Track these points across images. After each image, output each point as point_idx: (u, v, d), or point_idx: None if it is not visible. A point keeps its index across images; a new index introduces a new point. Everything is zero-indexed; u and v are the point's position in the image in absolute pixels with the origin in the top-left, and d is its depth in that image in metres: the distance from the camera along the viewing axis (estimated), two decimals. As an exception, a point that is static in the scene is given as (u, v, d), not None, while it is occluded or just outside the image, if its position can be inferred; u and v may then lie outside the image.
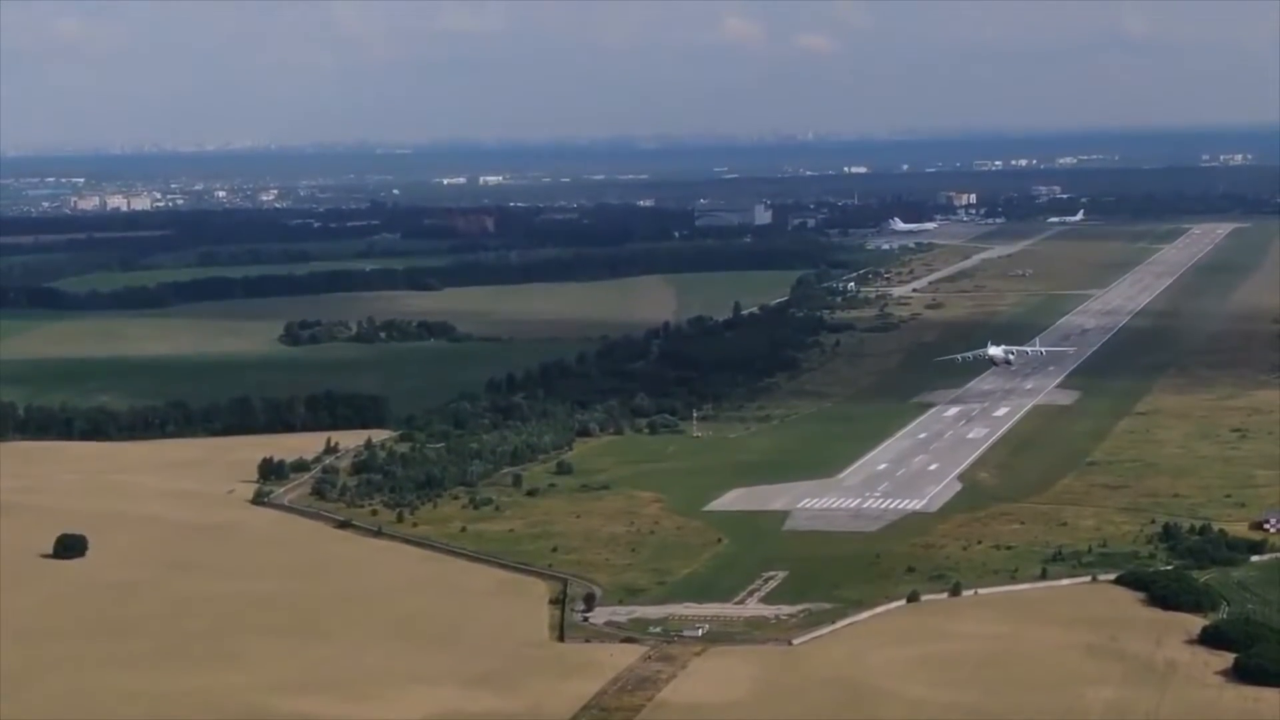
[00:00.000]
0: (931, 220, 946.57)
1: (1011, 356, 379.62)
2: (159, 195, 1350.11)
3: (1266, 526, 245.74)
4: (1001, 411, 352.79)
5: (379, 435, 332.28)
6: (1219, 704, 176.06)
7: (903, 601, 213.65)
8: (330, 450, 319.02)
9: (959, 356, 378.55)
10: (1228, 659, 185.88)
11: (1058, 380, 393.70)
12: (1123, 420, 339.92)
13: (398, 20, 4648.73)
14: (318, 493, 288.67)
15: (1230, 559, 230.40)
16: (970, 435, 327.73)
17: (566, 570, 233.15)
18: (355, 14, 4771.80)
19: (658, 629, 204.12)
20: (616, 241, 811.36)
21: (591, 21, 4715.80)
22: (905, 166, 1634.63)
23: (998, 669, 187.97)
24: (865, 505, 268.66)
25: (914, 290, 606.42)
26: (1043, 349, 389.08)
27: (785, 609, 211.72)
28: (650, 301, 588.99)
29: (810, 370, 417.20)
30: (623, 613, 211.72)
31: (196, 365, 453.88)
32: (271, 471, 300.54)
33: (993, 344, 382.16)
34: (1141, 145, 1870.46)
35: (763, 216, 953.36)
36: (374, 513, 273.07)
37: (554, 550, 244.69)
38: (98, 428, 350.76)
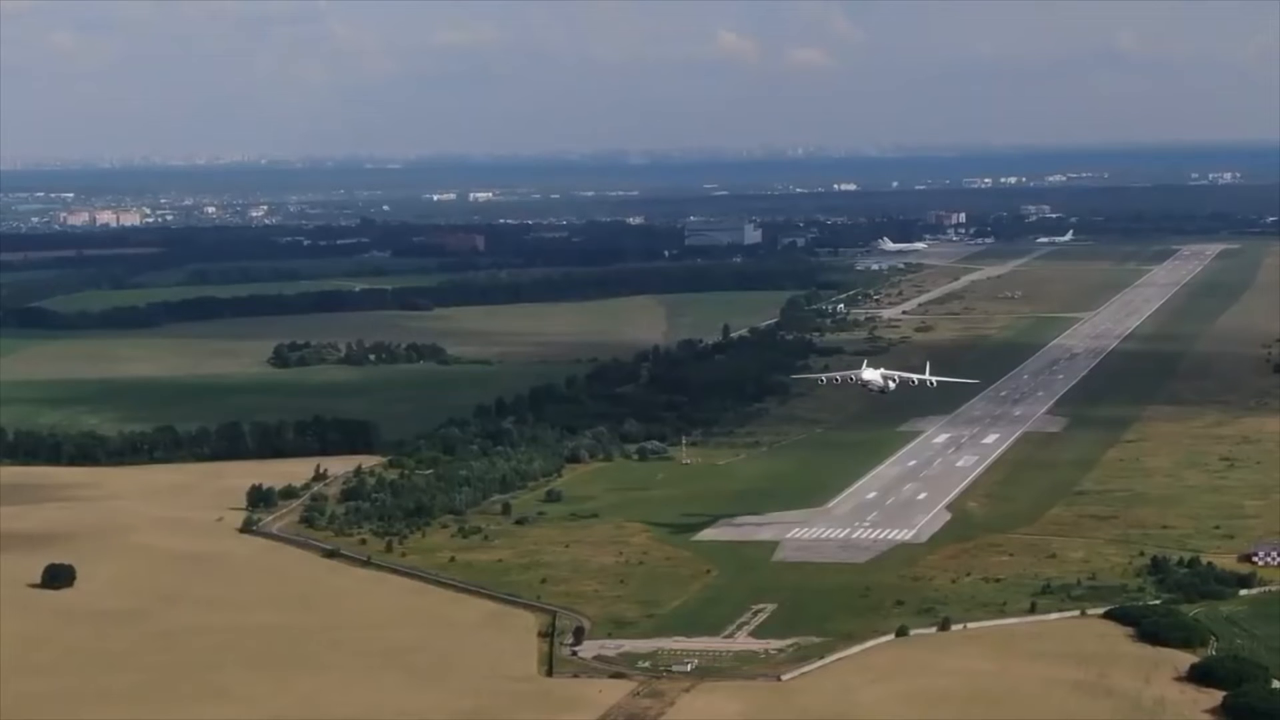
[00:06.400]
0: (921, 240, 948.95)
1: (892, 383, 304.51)
2: (149, 210, 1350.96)
3: (1255, 559, 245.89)
4: (991, 439, 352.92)
5: (368, 461, 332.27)
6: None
7: (892, 636, 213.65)
8: (319, 477, 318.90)
9: (822, 377, 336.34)
10: (1216, 697, 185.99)
11: (1047, 406, 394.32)
12: (1112, 448, 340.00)
13: (388, 35, 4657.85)
14: (306, 521, 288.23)
15: (1219, 592, 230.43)
16: (959, 463, 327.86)
17: (555, 602, 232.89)
18: (346, 29, 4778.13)
19: (646, 664, 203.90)
20: (606, 260, 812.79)
21: (583, 35, 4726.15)
22: (895, 184, 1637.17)
23: (986, 706, 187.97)
24: (854, 535, 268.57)
25: (903, 312, 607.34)
26: (933, 379, 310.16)
27: (774, 643, 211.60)
28: (640, 323, 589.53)
29: (800, 395, 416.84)
30: (611, 646, 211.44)
31: (186, 387, 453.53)
32: (260, 499, 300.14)
33: (869, 366, 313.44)
34: (1131, 163, 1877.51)
35: (752, 236, 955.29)
36: (363, 542, 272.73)
37: (543, 581, 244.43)
38: (86, 453, 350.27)
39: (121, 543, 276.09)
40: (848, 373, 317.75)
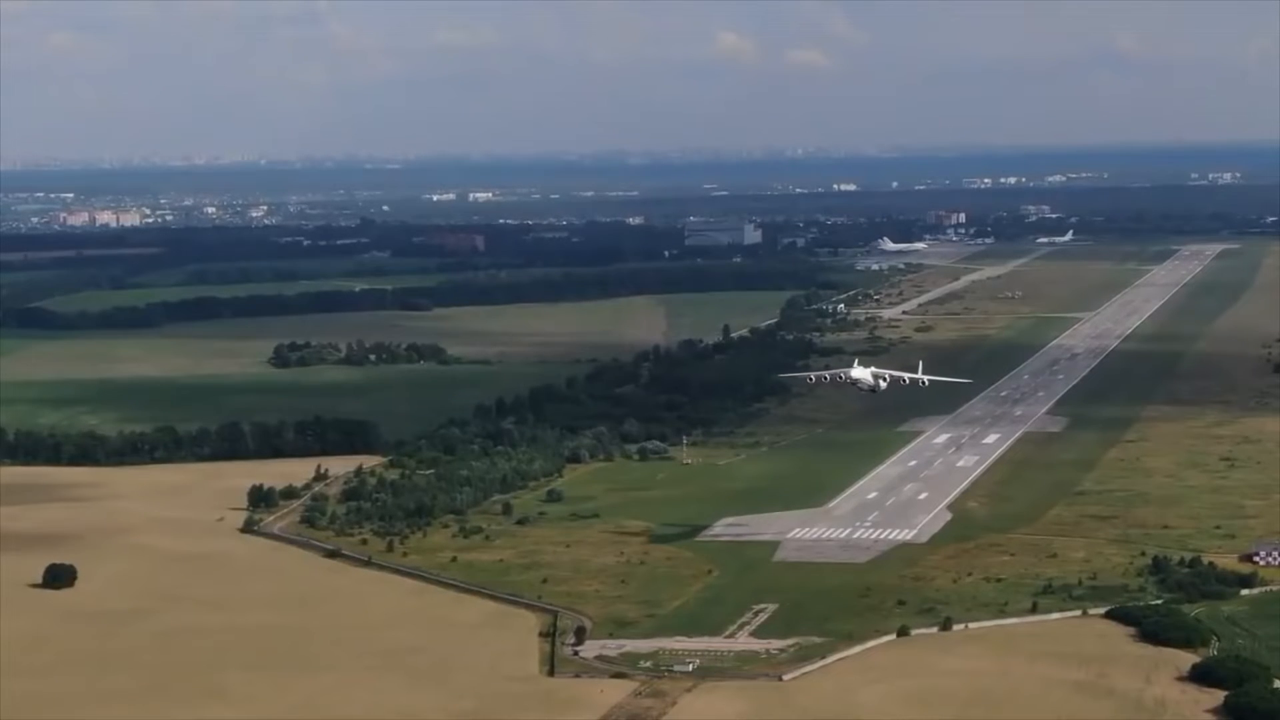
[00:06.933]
0: (921, 240, 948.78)
1: (883, 382, 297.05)
2: (149, 211, 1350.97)
3: (1256, 559, 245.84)
4: (991, 439, 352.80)
5: (369, 461, 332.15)
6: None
7: (893, 636, 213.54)
8: (320, 477, 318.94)
9: (810, 375, 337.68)
10: (1218, 696, 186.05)
11: (1047, 407, 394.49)
12: (1112, 449, 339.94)
13: (387, 36, 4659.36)
14: (307, 521, 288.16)
15: (1220, 592, 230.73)
16: (960, 463, 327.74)
17: (556, 602, 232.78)
18: (346, 30, 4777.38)
19: (648, 664, 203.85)
20: (606, 261, 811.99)
21: (583, 36, 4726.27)
22: (895, 184, 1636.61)
23: (987, 706, 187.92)
24: (855, 535, 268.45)
25: (904, 312, 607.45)
26: (925, 378, 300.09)
27: (776, 643, 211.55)
28: (640, 323, 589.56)
29: (800, 395, 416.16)
30: (613, 646, 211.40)
31: (185, 388, 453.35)
32: (261, 499, 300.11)
33: (859, 364, 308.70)
34: (1131, 163, 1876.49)
35: (752, 236, 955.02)
36: (364, 542, 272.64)
37: (544, 581, 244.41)
38: (86, 453, 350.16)
39: (122, 543, 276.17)
40: (837, 371, 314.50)
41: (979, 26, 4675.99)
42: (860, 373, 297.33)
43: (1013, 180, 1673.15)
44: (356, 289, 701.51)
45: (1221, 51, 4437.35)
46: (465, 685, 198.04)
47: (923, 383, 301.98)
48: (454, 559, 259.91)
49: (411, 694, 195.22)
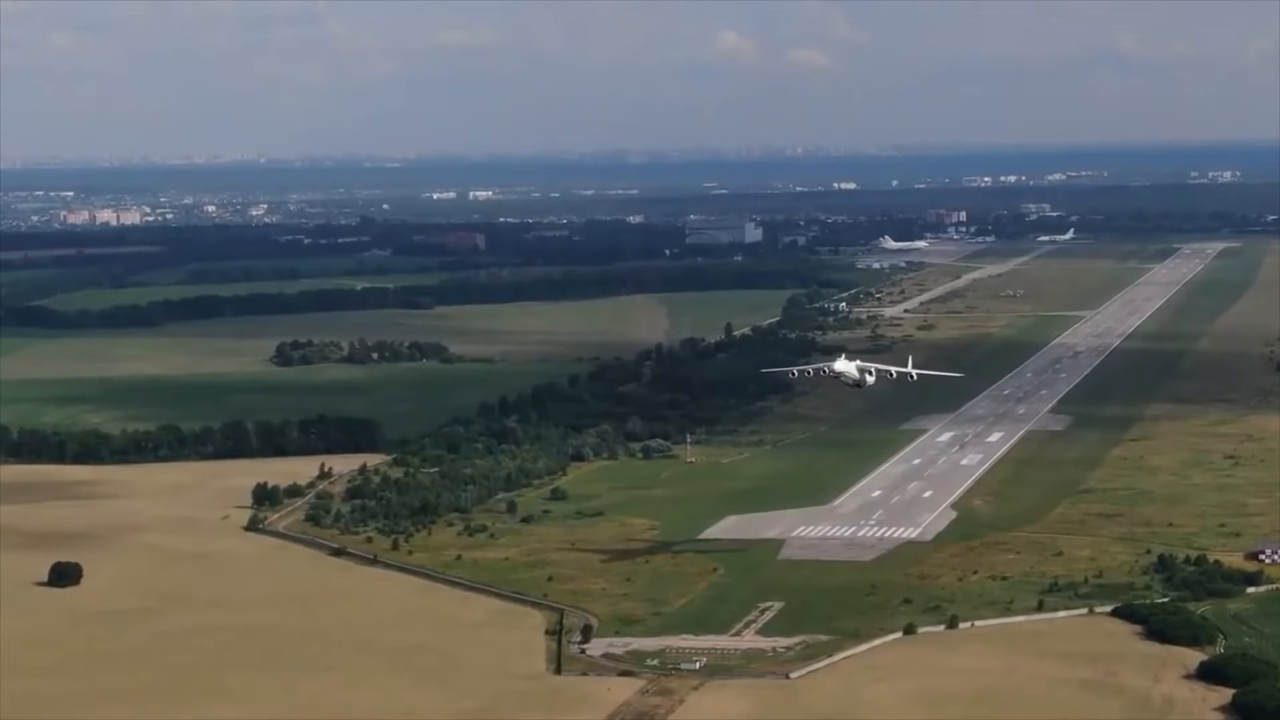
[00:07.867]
0: (922, 239, 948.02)
1: (869, 376, 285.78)
2: (149, 209, 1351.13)
3: (1262, 557, 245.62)
4: (995, 437, 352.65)
5: (373, 460, 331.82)
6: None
7: (899, 634, 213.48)
8: (324, 475, 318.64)
9: (794, 370, 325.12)
10: (1226, 694, 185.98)
11: (1050, 405, 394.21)
12: (1116, 447, 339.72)
13: (387, 35, 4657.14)
14: (312, 519, 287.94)
15: (1226, 590, 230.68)
16: (964, 462, 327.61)
17: (562, 600, 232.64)
18: (345, 30, 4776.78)
19: (654, 662, 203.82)
20: (607, 259, 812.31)
21: (583, 36, 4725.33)
22: (895, 182, 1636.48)
23: (993, 705, 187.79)
24: (860, 534, 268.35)
25: (905, 311, 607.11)
26: (913, 373, 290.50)
27: (782, 641, 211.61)
28: (642, 321, 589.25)
29: (803, 394, 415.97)
30: (619, 644, 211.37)
31: (188, 386, 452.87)
32: (265, 497, 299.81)
33: (845, 357, 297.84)
34: (1131, 162, 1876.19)
35: (753, 234, 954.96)
36: (369, 540, 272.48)
37: (549, 579, 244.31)
38: (90, 451, 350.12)
39: (127, 541, 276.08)
40: (820, 365, 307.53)
41: (979, 26, 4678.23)
42: (844, 366, 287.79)
43: (1013, 179, 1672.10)
44: (358, 287, 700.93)
45: (1221, 51, 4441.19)
46: (471, 684, 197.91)
47: (911, 377, 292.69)
48: (459, 557, 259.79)
49: (417, 693, 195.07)
